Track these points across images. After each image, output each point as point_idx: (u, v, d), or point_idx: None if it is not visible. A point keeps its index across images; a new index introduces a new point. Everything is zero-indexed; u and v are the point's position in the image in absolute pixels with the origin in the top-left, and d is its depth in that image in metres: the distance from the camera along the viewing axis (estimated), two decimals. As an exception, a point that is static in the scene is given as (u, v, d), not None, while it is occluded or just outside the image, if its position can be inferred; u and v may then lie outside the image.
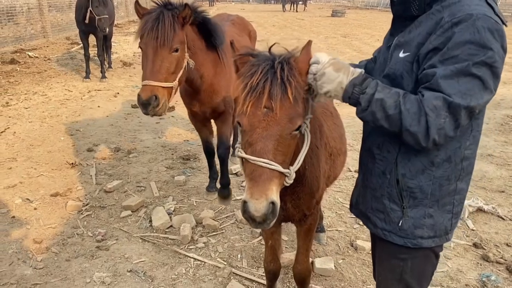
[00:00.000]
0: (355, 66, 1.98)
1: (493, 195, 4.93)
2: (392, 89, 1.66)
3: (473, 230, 4.21)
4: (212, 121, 4.52)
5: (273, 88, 1.61)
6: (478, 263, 3.72)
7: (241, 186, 5.13)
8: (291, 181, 1.77)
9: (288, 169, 1.74)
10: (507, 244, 3.99)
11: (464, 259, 3.77)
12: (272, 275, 2.84)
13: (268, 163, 1.62)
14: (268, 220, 1.62)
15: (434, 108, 1.53)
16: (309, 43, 1.79)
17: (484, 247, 3.93)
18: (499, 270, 3.63)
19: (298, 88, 1.68)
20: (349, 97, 1.70)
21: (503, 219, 4.41)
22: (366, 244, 3.89)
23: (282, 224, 2.71)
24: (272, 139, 1.64)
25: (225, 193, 4.60)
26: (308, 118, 1.87)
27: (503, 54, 1.54)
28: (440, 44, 1.57)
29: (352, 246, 3.95)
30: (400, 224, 1.84)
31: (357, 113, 1.71)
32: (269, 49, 1.78)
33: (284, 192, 2.24)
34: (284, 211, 2.35)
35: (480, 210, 4.53)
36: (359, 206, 2.08)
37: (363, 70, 1.80)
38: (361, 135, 2.10)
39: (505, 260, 3.74)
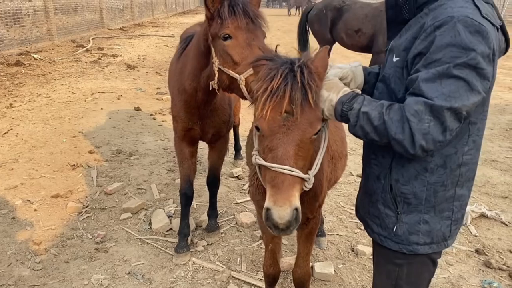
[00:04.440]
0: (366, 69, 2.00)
1: (496, 200, 4.88)
2: (379, 101, 1.66)
3: (475, 236, 4.16)
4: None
5: (294, 92, 1.59)
6: (480, 269, 3.68)
7: (242, 189, 5.11)
8: (310, 186, 1.75)
9: (307, 173, 1.72)
10: (510, 251, 3.95)
11: (466, 265, 3.72)
12: (272, 279, 2.81)
13: (290, 170, 1.60)
14: (292, 227, 1.61)
15: (415, 113, 1.51)
16: (326, 48, 1.79)
17: (487, 253, 3.89)
18: (501, 276, 3.58)
19: (317, 92, 1.67)
20: (340, 115, 1.71)
21: (506, 225, 4.37)
22: (367, 249, 3.85)
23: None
24: (293, 144, 1.63)
25: (213, 226, 4.13)
26: (325, 122, 1.86)
27: (490, 54, 1.51)
28: (423, 49, 1.56)
29: (352, 251, 3.92)
30: (394, 230, 1.82)
31: (349, 130, 1.72)
32: (275, 50, 1.77)
33: None
34: None
35: (483, 216, 4.49)
36: (360, 210, 2.07)
37: (359, 65, 1.82)
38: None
39: (508, 266, 3.69)
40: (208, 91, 3.14)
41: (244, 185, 5.20)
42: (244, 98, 2.56)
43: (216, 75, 2.68)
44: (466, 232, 4.22)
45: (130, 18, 27.55)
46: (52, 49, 15.36)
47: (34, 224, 4.15)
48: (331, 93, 1.72)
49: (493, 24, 1.55)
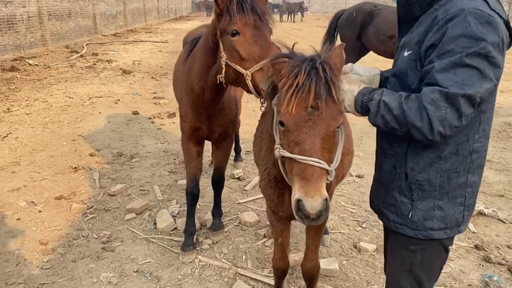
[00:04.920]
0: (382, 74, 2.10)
1: (493, 199, 5.00)
2: (397, 93, 1.75)
3: (474, 232, 4.26)
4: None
5: (318, 88, 1.66)
6: (480, 264, 3.77)
7: (244, 190, 5.17)
8: (332, 179, 1.82)
9: (329, 166, 1.79)
10: (508, 246, 4.04)
11: (466, 261, 3.82)
12: (281, 273, 2.88)
13: (318, 162, 1.67)
14: (321, 217, 1.68)
15: (432, 101, 1.60)
16: (342, 45, 1.89)
17: (486, 249, 3.98)
18: (501, 271, 3.67)
19: (339, 87, 1.75)
20: (360, 105, 1.79)
21: (503, 222, 4.47)
22: (369, 246, 3.93)
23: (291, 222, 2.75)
24: (319, 137, 1.70)
25: (218, 225, 4.19)
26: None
27: (499, 44, 1.60)
28: (436, 41, 1.65)
29: (355, 247, 3.99)
30: (410, 216, 1.90)
31: (370, 120, 1.80)
32: (292, 47, 1.85)
33: None
34: None
35: (480, 213, 4.59)
36: (375, 201, 2.15)
37: (378, 73, 1.91)
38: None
39: (507, 261, 3.79)
40: (216, 90, 3.23)
41: (245, 186, 5.26)
42: (249, 92, 2.63)
43: (224, 69, 2.74)
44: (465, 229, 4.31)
45: (123, 24, 27.58)
46: (46, 54, 15.35)
47: (39, 225, 4.18)
48: (352, 85, 1.82)
49: (500, 16, 1.65)
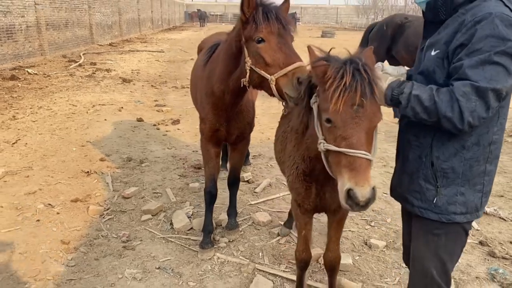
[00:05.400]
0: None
1: (493, 199, 5.21)
2: (426, 86, 1.94)
3: (478, 230, 4.46)
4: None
5: (363, 88, 1.84)
6: (485, 258, 3.96)
7: (254, 192, 5.34)
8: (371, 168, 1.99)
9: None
10: (510, 242, 4.25)
11: (472, 255, 4.01)
12: (304, 264, 3.03)
13: (366, 154, 1.85)
14: (369, 203, 1.84)
15: (464, 94, 1.80)
16: (371, 48, 2.11)
17: (490, 244, 4.18)
18: (505, 264, 3.87)
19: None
20: (390, 99, 1.98)
21: (504, 220, 4.68)
22: (379, 243, 4.11)
23: (315, 215, 2.92)
24: (364, 132, 1.88)
25: (233, 224, 4.34)
26: None
27: None
28: (465, 40, 1.85)
29: (366, 244, 4.17)
30: (435, 202, 2.08)
31: (401, 112, 1.99)
32: (329, 52, 2.04)
33: (325, 183, 2.49)
34: (322, 201, 2.59)
35: (483, 212, 4.79)
36: (398, 189, 2.32)
37: (405, 73, 2.09)
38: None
39: (510, 256, 3.98)
40: (237, 93, 3.40)
41: (255, 188, 5.43)
42: (272, 95, 2.81)
43: (248, 74, 2.93)
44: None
45: (118, 34, 27.78)
46: (45, 64, 15.48)
47: (59, 226, 4.30)
48: (382, 80, 2.01)
49: None
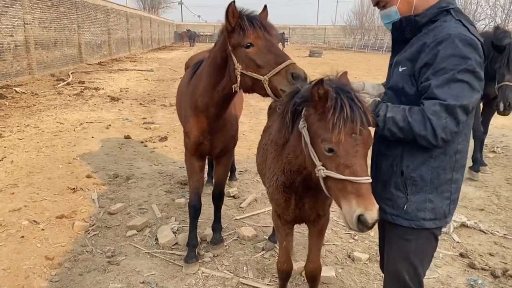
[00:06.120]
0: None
1: (474, 212, 5.32)
2: (400, 106, 2.06)
3: (458, 242, 4.55)
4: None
5: (362, 118, 1.94)
6: (465, 270, 4.04)
7: (240, 207, 5.38)
8: None
9: None
10: (490, 254, 4.34)
11: (452, 267, 4.08)
12: (285, 275, 3.08)
13: (369, 180, 1.95)
14: (375, 224, 1.94)
15: (434, 112, 1.93)
16: (345, 72, 2.24)
17: (470, 256, 4.26)
18: (484, 275, 3.94)
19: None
20: None
21: (484, 232, 4.78)
22: (362, 256, 4.17)
23: (295, 225, 2.98)
24: (364, 158, 1.99)
25: (218, 239, 4.37)
26: None
27: (480, 61, 1.96)
28: (429, 60, 1.99)
29: (349, 257, 4.22)
30: (405, 208, 2.18)
31: (379, 132, 2.11)
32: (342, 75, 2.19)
33: (304, 195, 2.57)
34: (302, 212, 2.66)
35: (463, 225, 4.90)
36: None
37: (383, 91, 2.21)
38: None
39: (490, 267, 4.07)
40: (220, 105, 3.55)
41: (241, 203, 5.47)
42: (266, 95, 2.95)
43: (239, 79, 3.06)
44: (450, 240, 4.60)
45: (107, 53, 27.90)
46: (33, 82, 15.49)
47: (43, 242, 4.29)
48: None
49: (478, 40, 1.98)
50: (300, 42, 72.61)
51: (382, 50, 50.32)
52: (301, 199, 2.61)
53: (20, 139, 7.97)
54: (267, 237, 4.51)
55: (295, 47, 56.50)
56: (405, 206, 2.18)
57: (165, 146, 8.11)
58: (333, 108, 1.94)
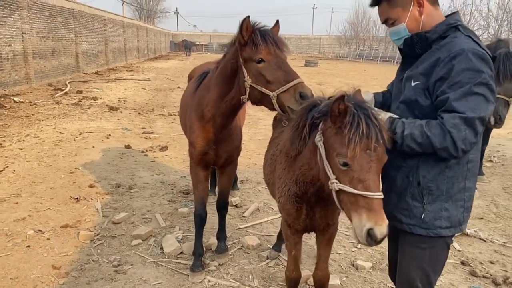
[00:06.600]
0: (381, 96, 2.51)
1: (473, 221, 5.40)
2: (416, 121, 2.15)
3: (459, 251, 4.62)
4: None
5: (378, 135, 2.02)
6: (467, 278, 4.11)
7: (242, 216, 5.43)
8: None
9: None
10: (490, 262, 4.41)
11: (454, 275, 4.15)
12: (294, 284, 3.13)
13: (381, 196, 2.02)
14: (384, 239, 2.00)
15: (454, 125, 2.02)
16: (359, 90, 2.31)
17: (471, 264, 4.33)
18: (486, 283, 4.02)
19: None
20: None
21: (484, 241, 4.86)
22: (365, 264, 4.23)
23: (304, 234, 3.04)
24: (377, 174, 2.07)
25: (223, 248, 4.43)
26: None
27: (492, 74, 2.06)
28: (444, 74, 2.08)
29: (353, 265, 4.28)
30: (422, 218, 2.26)
31: (397, 148, 2.18)
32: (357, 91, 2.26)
33: (315, 205, 2.64)
34: (312, 221, 2.73)
35: (464, 234, 4.98)
36: (385, 208, 2.47)
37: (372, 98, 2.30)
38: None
39: (491, 275, 4.14)
40: (227, 115, 3.63)
41: (243, 212, 5.53)
42: (273, 109, 3.07)
43: (248, 91, 3.16)
44: (451, 248, 4.61)
45: (104, 62, 27.98)
46: (30, 92, 15.52)
47: (49, 251, 4.32)
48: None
49: (488, 54, 2.09)
50: (295, 52, 73.03)
51: (377, 60, 50.80)
52: (312, 209, 2.68)
53: (21, 149, 8.00)
54: (270, 246, 4.56)
55: (290, 56, 56.45)
56: (422, 215, 2.26)
57: (166, 155, 8.16)
58: (350, 123, 2.02)
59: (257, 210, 5.66)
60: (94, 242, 4.58)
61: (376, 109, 2.23)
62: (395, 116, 2.26)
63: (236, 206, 5.73)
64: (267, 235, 4.93)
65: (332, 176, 2.12)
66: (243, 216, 5.43)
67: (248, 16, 3.10)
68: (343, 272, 4.17)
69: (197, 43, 70.75)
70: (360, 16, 65.82)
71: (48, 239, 4.58)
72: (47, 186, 6.10)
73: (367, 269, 4.20)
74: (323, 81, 23.59)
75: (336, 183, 2.10)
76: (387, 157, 2.12)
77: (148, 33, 46.19)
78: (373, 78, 27.53)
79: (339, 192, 2.11)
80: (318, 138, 2.22)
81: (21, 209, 5.27)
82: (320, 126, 2.25)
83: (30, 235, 4.60)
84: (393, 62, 46.17)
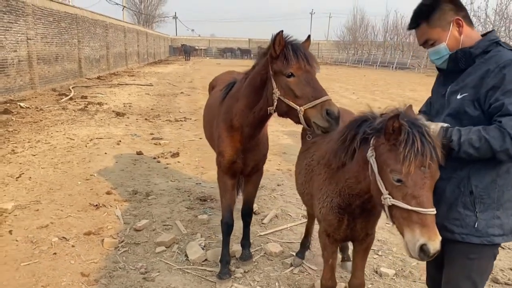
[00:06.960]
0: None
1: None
2: (471, 128, 2.22)
3: (479, 257, 4.69)
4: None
5: (432, 152, 2.08)
6: (489, 284, 4.18)
7: (262, 223, 5.49)
8: None
9: None
10: (510, 269, 4.49)
11: (477, 282, 4.21)
12: (329, 292, 3.19)
13: (434, 212, 2.08)
14: (436, 254, 2.05)
15: None
16: (411, 106, 2.37)
17: (492, 271, 4.40)
18: (509, 290, 4.09)
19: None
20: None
21: (503, 248, 4.94)
22: (389, 271, 4.30)
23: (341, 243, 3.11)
24: (431, 190, 2.12)
25: (248, 255, 4.48)
26: None
27: None
28: (496, 83, 2.18)
29: (376, 273, 4.34)
30: (476, 226, 2.32)
31: (453, 155, 2.25)
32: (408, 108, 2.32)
33: (358, 215, 2.71)
34: (353, 231, 2.80)
35: (481, 240, 5.05)
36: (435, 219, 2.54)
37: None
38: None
39: (513, 281, 4.21)
40: (256, 125, 3.70)
41: (262, 219, 5.59)
42: (298, 123, 3.15)
43: (275, 103, 3.24)
44: (470, 255, 4.74)
45: (106, 67, 28.04)
46: (35, 97, 15.56)
47: (76, 258, 4.36)
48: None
49: None
50: (293, 57, 73.15)
51: (376, 65, 51.04)
52: (354, 219, 2.75)
53: (34, 155, 8.04)
54: (292, 253, 4.62)
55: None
56: (476, 223, 2.32)
57: (178, 162, 8.21)
58: (405, 141, 2.08)
59: (275, 217, 5.72)
60: (118, 249, 4.63)
61: (427, 122, 2.29)
62: (446, 124, 2.32)
63: (254, 213, 5.77)
64: (288, 242, 4.98)
65: (385, 192, 2.18)
66: (262, 223, 5.49)
67: (282, 31, 3.17)
68: (368, 279, 4.22)
69: (197, 47, 70.94)
70: (358, 21, 66.24)
71: (73, 246, 4.62)
72: (65, 193, 6.14)
73: (390, 276, 4.26)
74: (324, 87, 23.61)
75: (389, 198, 2.15)
76: (439, 173, 2.18)
77: (148, 38, 46.29)
78: (373, 84, 27.70)
79: (392, 207, 2.16)
80: (370, 154, 2.27)
81: (42, 216, 5.31)
82: (371, 141, 2.31)
83: (55, 242, 4.64)
84: (392, 67, 46.43)
